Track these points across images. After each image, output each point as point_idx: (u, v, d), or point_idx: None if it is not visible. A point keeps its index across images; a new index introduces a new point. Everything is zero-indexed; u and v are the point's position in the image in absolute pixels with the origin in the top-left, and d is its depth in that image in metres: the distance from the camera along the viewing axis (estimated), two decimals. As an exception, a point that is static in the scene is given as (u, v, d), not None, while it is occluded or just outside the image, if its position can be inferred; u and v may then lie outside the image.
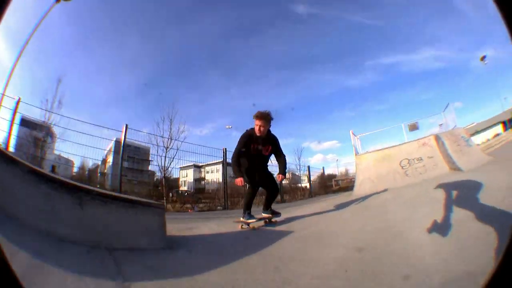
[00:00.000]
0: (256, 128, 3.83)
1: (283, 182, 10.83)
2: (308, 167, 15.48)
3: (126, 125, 8.73)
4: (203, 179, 35.75)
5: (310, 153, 54.17)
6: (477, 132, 30.52)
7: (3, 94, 8.04)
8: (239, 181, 3.71)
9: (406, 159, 6.36)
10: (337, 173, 24.96)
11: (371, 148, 9.69)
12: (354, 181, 7.44)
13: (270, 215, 4.09)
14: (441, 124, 10.31)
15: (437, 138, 6.34)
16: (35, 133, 13.84)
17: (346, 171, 24.15)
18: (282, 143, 4.19)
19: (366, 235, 2.74)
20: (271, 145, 3.98)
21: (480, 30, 63.64)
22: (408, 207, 3.59)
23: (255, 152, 3.88)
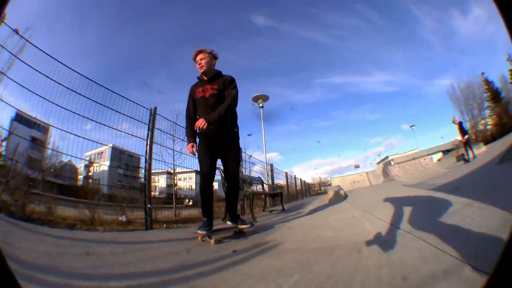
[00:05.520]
0: (197, 66, 3.32)
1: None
2: (271, 164, 13.68)
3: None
4: (175, 185, 41.33)
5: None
6: (414, 158, 44.56)
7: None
8: (189, 147, 3.27)
9: (353, 180, 16.91)
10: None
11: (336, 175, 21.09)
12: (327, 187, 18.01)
13: (235, 225, 3.38)
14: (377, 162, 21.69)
15: (367, 174, 17.16)
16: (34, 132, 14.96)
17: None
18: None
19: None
20: (218, 82, 3.28)
21: (440, 60, 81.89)
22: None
23: (201, 95, 3.28)
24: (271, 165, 10.57)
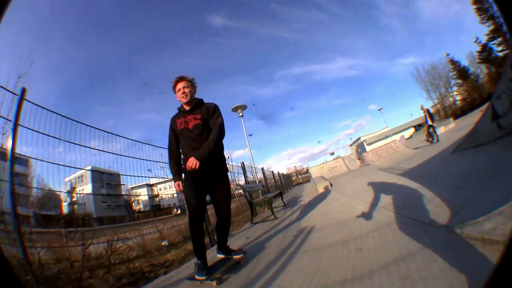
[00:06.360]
0: (178, 95, 3.30)
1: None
2: (242, 162, 13.64)
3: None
4: (157, 195, 42.09)
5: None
6: (386, 137, 48.00)
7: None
8: (176, 186, 3.26)
9: (330, 167, 18.90)
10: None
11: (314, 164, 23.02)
12: (310, 178, 19.85)
13: (227, 257, 3.41)
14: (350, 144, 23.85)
15: (342, 159, 19.22)
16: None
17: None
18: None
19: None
20: (202, 111, 3.26)
21: (403, 41, 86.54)
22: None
23: (183, 127, 3.23)
24: (242, 163, 11.11)
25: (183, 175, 3.25)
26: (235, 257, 3.36)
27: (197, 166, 2.82)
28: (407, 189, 4.75)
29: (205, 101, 3.42)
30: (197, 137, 3.12)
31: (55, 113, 4.53)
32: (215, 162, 3.18)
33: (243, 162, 11.24)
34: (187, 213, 3.24)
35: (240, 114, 16.81)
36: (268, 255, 3.45)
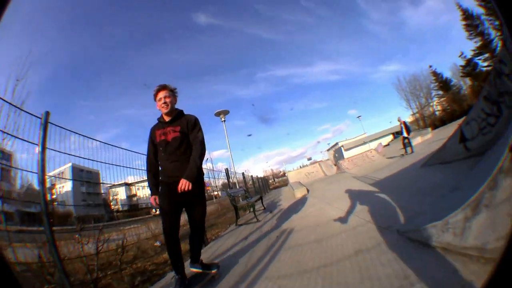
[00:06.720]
0: (159, 104, 3.32)
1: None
2: (226, 169, 13.85)
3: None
4: (135, 195, 42.47)
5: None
6: (364, 143, 49.69)
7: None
8: (152, 200, 3.30)
9: (308, 172, 19.84)
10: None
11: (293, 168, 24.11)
12: (288, 182, 20.71)
13: (201, 271, 3.43)
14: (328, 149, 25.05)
15: (320, 164, 20.22)
16: None
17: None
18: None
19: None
20: (181, 123, 3.30)
21: (387, 48, 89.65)
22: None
23: (162, 139, 3.26)
24: (226, 169, 11.76)
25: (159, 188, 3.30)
26: (212, 272, 3.42)
27: (190, 188, 2.93)
28: (375, 198, 5.63)
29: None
30: (175, 150, 3.19)
31: (82, 135, 4.67)
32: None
33: (227, 169, 11.97)
34: (162, 226, 3.15)
35: (223, 119, 17.55)
36: (258, 252, 4.14)
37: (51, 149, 3.85)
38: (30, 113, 3.79)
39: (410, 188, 5.74)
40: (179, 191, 2.89)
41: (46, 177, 3.54)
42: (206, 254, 4.40)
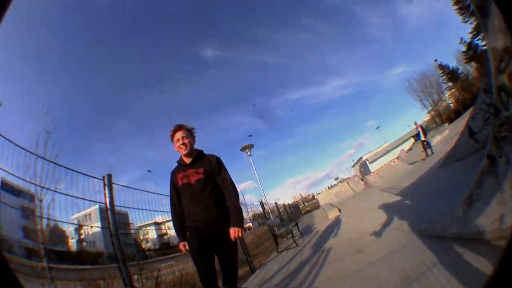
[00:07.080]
0: (177, 146, 3.17)
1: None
2: (276, 203, 18.16)
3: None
4: (166, 234, 42.88)
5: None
6: (387, 152, 49.28)
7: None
8: (181, 247, 3.16)
9: (337, 192, 20.28)
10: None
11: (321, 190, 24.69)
12: (319, 205, 21.13)
13: None
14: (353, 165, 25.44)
15: (347, 182, 20.64)
16: (22, 200, 14.71)
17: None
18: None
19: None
20: (204, 165, 3.12)
21: (391, 50, 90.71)
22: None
23: (185, 182, 3.09)
24: (261, 202, 12.58)
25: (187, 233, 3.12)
26: None
27: (241, 234, 2.89)
28: (400, 206, 6.40)
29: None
30: (200, 192, 2.99)
31: (139, 189, 5.61)
32: (219, 220, 2.99)
33: (261, 201, 12.98)
34: (198, 275, 2.97)
35: (249, 153, 18.40)
36: (304, 271, 4.76)
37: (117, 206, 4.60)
38: (93, 176, 4.89)
39: (429, 191, 6.38)
40: (232, 239, 2.84)
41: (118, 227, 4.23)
42: (256, 280, 5.24)
